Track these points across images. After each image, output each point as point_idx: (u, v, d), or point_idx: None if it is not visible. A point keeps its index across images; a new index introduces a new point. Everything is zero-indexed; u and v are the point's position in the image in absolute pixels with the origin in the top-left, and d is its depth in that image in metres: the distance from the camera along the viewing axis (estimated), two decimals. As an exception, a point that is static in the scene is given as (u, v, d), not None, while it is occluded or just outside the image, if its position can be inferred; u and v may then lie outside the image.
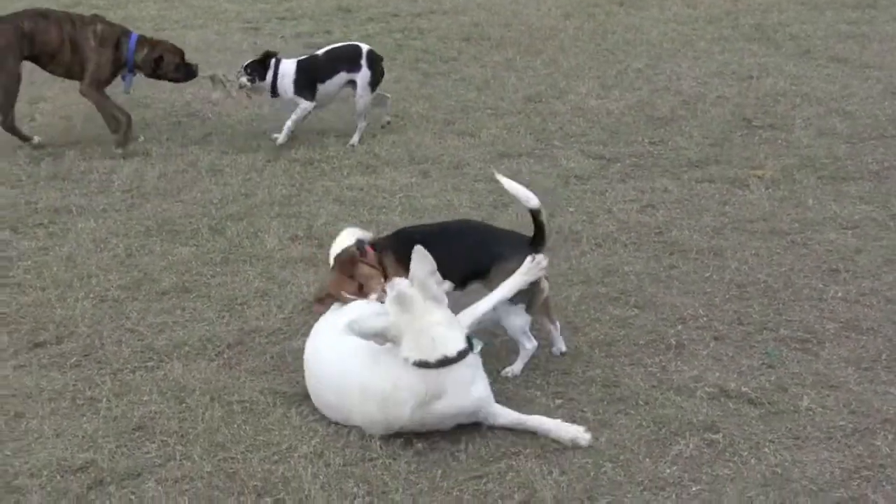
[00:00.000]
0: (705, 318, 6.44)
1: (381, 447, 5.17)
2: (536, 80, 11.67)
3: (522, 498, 4.81)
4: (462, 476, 4.98)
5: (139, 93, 11.30)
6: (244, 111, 10.74)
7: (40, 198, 8.53)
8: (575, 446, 5.10)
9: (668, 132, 9.78)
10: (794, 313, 6.51)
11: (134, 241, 7.67)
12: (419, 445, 5.18)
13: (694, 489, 4.86)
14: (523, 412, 5.32)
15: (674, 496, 4.82)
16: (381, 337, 5.12)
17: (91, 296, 6.85)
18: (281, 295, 6.80)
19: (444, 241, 5.74)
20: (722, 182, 8.61)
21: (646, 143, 9.47)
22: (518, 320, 5.73)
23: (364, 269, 5.79)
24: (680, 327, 6.34)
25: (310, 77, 9.67)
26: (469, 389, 5.13)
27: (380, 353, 5.16)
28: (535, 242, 5.78)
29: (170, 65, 9.93)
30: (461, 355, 5.05)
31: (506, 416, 5.27)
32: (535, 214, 5.79)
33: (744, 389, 5.64)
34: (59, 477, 5.01)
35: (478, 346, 5.20)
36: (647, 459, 5.07)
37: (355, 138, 9.76)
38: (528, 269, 5.61)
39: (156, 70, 9.92)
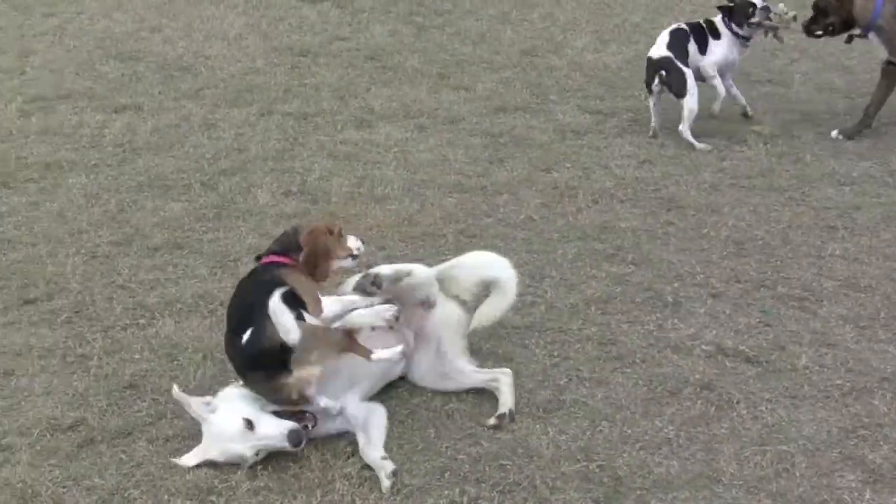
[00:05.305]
0: (702, 276, 6.40)
1: (374, 406, 5.13)
2: (532, 34, 11.57)
3: (519, 458, 4.77)
4: (457, 435, 4.94)
5: (127, 46, 11.22)
6: (237, 64, 10.65)
7: (31, 152, 8.45)
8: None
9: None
10: (791, 271, 6.46)
11: (125, 196, 7.60)
12: (414, 401, 5.16)
13: (690, 448, 4.83)
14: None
15: (670, 455, 4.78)
16: None
17: (82, 252, 6.78)
18: (274, 251, 6.74)
19: None
20: (720, 138, 8.55)
21: (643, 98, 9.36)
22: None
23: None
24: (677, 284, 6.29)
25: None
26: None
27: None
28: None
29: None
30: None
31: None
32: None
33: (741, 348, 5.60)
34: (48, 435, 4.96)
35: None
36: (644, 419, 5.03)
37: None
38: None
39: None
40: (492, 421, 4.96)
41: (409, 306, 5.22)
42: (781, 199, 7.42)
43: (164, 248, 6.83)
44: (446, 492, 4.56)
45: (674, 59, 8.57)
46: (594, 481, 4.62)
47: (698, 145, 8.42)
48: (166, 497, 4.56)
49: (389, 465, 4.63)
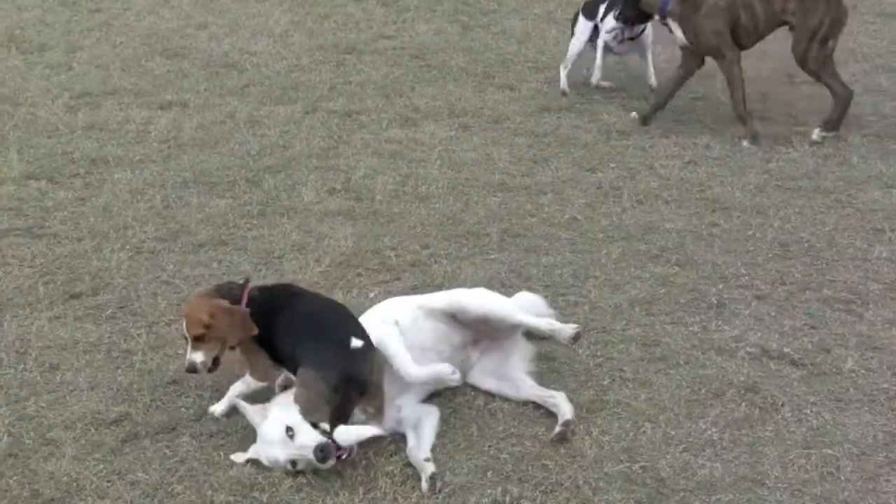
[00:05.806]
0: (747, 277, 6.35)
1: (417, 403, 5.12)
2: (577, 34, 11.52)
3: (562, 458, 4.75)
4: (500, 434, 4.94)
5: (172, 42, 11.29)
6: (282, 61, 10.68)
7: (77, 147, 8.50)
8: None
9: (710, 87, 9.64)
10: (837, 273, 6.41)
11: (171, 192, 7.63)
12: (457, 400, 5.15)
13: (734, 451, 4.80)
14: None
15: (714, 457, 4.75)
16: None
17: (127, 247, 6.82)
18: (318, 248, 6.75)
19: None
20: (765, 139, 8.48)
21: (688, 99, 9.34)
22: None
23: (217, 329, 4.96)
24: (721, 286, 6.25)
25: None
26: None
27: None
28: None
29: None
30: None
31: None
32: None
33: (786, 350, 5.56)
34: (93, 430, 4.99)
35: None
36: (687, 420, 5.01)
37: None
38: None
39: None
40: (557, 429, 4.90)
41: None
42: (827, 202, 7.36)
43: (208, 245, 6.85)
44: (489, 490, 4.55)
45: (582, 11, 9.74)
46: (637, 482, 4.61)
47: (563, 79, 9.76)
48: (209, 492, 4.58)
49: (430, 468, 4.63)
